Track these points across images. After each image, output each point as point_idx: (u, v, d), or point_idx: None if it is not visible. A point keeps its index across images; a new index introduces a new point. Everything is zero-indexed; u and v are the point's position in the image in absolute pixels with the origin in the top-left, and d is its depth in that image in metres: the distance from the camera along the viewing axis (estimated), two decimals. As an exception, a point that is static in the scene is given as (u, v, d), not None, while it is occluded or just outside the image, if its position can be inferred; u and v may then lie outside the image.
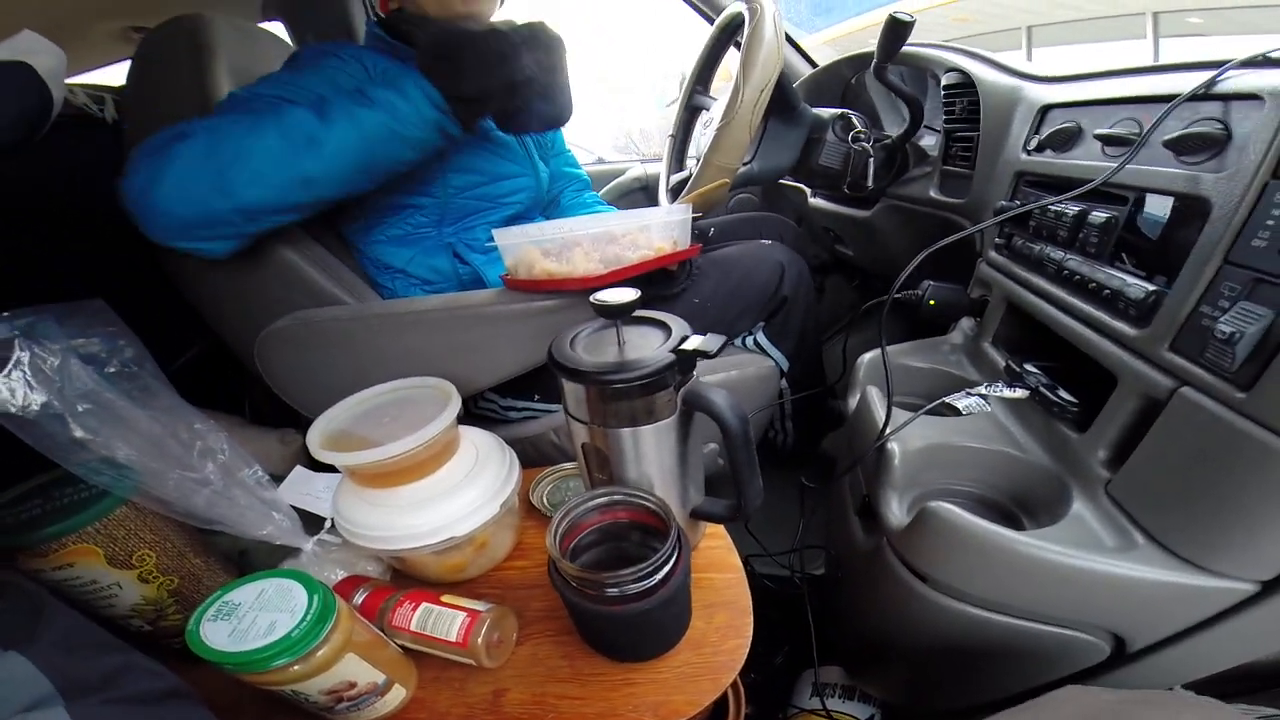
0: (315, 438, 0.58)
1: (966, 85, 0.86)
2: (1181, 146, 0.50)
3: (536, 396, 0.86)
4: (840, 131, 0.96)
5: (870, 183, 0.96)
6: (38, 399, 0.45)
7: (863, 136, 0.95)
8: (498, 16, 0.94)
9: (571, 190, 1.10)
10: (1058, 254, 0.63)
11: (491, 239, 0.82)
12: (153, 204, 0.62)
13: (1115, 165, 0.55)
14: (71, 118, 0.93)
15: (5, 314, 0.46)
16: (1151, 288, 0.50)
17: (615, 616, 0.48)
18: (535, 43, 0.67)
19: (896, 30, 0.84)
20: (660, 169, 1.15)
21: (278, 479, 0.68)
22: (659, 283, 0.82)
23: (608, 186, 1.73)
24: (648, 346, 0.49)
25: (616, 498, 0.53)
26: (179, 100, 0.79)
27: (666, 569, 0.48)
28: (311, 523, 0.63)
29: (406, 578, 0.63)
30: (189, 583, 0.57)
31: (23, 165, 0.66)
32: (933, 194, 0.91)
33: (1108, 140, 0.59)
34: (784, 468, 1.00)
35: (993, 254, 0.76)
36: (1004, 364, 0.68)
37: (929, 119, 0.99)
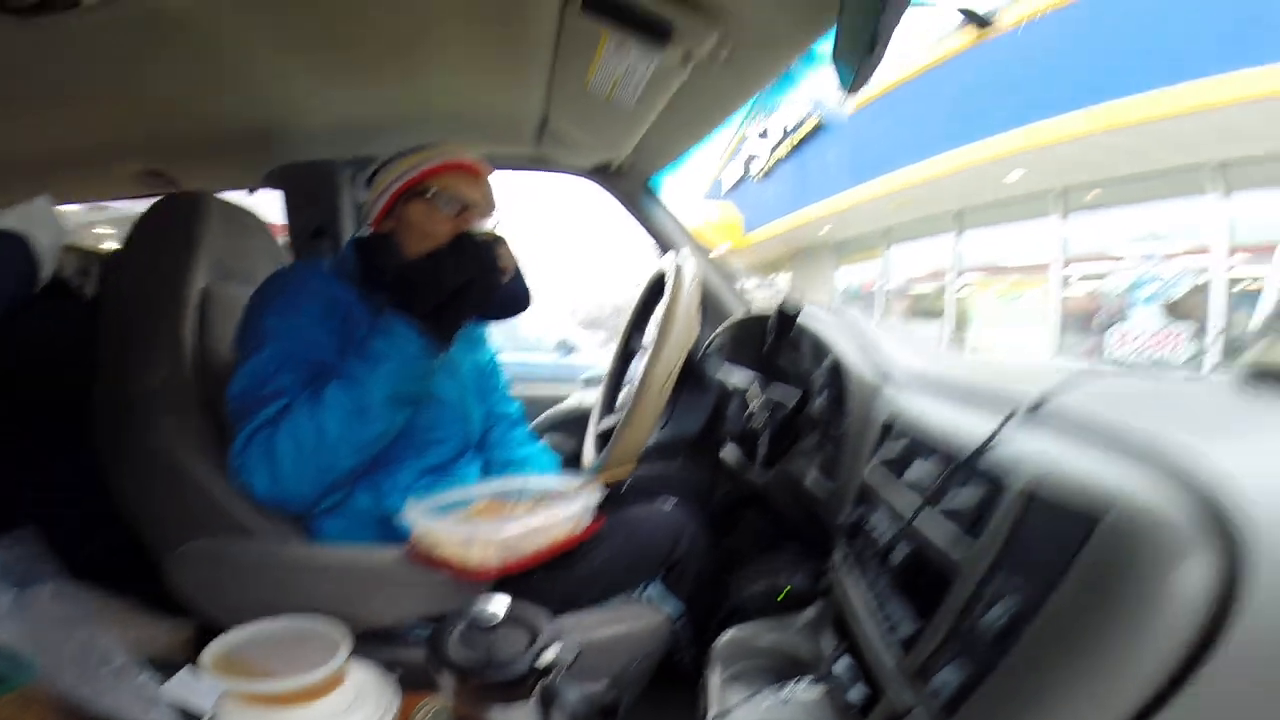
0: (208, 659, 0.64)
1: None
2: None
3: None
4: (739, 404, 1.05)
5: (758, 462, 0.99)
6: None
7: (755, 412, 1.00)
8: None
9: (501, 428, 1.13)
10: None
11: (415, 480, 0.92)
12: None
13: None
14: (51, 286, 0.89)
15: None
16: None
17: None
18: (463, 251, 0.81)
19: (783, 321, 0.96)
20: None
21: (166, 664, 0.73)
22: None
23: (542, 416, 1.63)
24: (513, 649, 0.58)
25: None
26: (159, 286, 0.91)
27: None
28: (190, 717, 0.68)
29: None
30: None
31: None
32: (807, 482, 0.90)
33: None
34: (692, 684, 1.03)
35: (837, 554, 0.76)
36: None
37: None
